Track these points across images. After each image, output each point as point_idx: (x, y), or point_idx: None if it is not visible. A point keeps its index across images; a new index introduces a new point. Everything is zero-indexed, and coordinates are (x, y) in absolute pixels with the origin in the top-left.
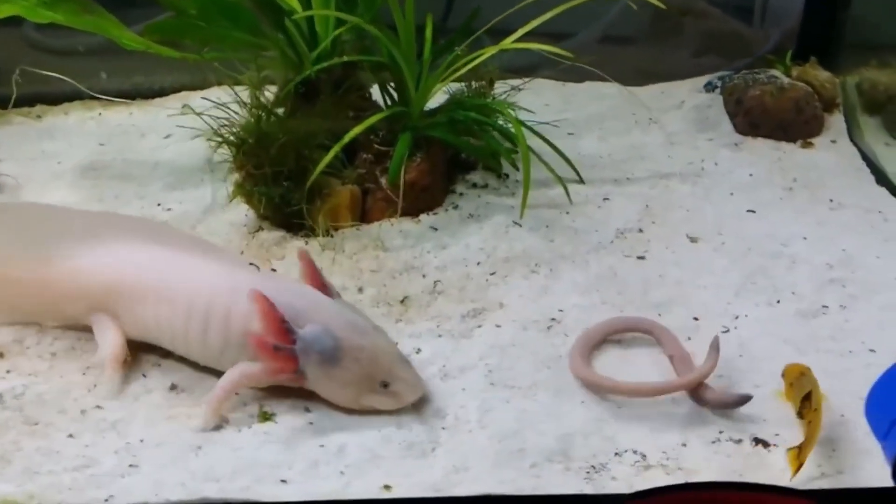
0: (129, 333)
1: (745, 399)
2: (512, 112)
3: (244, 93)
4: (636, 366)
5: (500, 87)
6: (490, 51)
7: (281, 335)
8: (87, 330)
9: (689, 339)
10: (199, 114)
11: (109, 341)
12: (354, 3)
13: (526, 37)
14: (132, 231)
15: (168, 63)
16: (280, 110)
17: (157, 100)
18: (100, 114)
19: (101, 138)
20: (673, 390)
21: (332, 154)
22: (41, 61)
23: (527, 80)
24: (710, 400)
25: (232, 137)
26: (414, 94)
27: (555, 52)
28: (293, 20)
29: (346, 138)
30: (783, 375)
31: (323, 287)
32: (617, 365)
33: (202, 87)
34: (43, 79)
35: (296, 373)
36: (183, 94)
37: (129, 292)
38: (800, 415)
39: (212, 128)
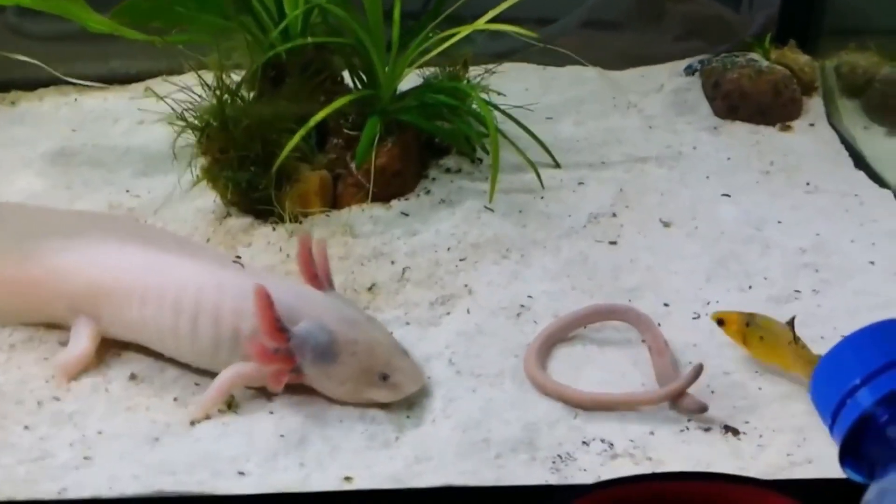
0: (114, 334)
1: (703, 409)
2: (483, 95)
3: (212, 76)
4: (605, 364)
5: (477, 72)
6: (462, 31)
7: (275, 334)
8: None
9: (659, 324)
10: (161, 98)
11: (75, 350)
12: None
13: (508, 22)
14: (113, 231)
15: (145, 48)
16: (250, 94)
17: (134, 85)
18: (75, 99)
19: (73, 124)
20: (635, 405)
21: (297, 138)
22: (22, 47)
23: (498, 63)
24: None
25: (196, 121)
26: (383, 77)
27: (525, 35)
28: (259, 2)
29: (312, 122)
30: (719, 322)
31: (314, 277)
32: (581, 363)
33: (179, 72)
34: (20, 64)
35: (292, 371)
36: (160, 78)
37: (113, 293)
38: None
39: (175, 112)
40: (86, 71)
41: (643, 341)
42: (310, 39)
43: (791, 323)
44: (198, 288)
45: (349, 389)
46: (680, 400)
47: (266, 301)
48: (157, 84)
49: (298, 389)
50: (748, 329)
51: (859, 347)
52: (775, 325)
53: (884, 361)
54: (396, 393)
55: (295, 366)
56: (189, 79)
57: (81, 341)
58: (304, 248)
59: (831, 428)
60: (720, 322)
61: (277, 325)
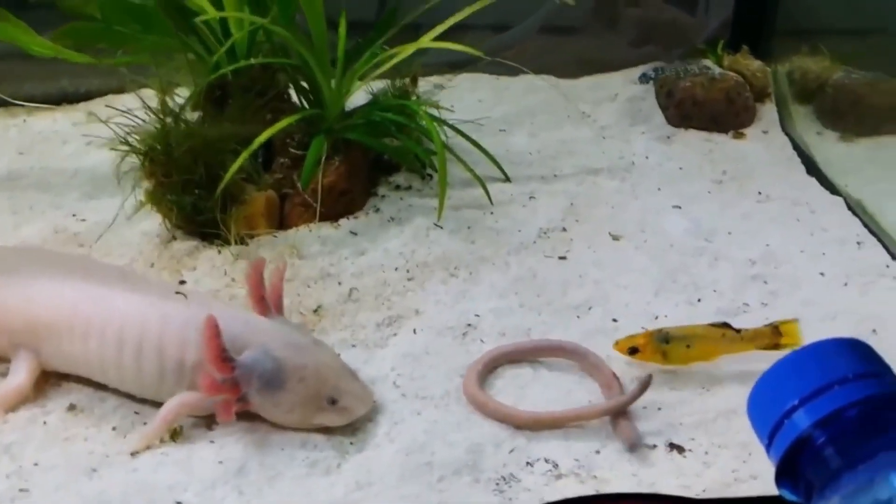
0: (56, 367)
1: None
2: (433, 111)
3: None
4: (552, 383)
5: (427, 86)
6: (408, 49)
7: (221, 364)
8: None
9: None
10: (104, 121)
11: (13, 384)
12: (267, 6)
13: (460, 31)
14: (53, 265)
15: (95, 67)
16: (196, 115)
17: (83, 104)
18: (24, 120)
19: (21, 146)
20: (574, 420)
21: (240, 160)
22: None
23: (452, 76)
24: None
25: (139, 145)
26: (329, 96)
27: (471, 53)
28: (204, 23)
29: (255, 143)
30: (631, 351)
31: (262, 302)
32: (528, 382)
33: (129, 91)
34: None
35: (239, 400)
36: (109, 97)
37: (53, 328)
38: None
39: (118, 135)
40: (35, 91)
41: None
42: (253, 61)
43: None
44: (141, 320)
45: (298, 415)
46: (619, 423)
47: (213, 331)
48: (106, 103)
49: (240, 416)
50: (670, 345)
51: (797, 368)
52: (692, 328)
53: (821, 383)
54: (346, 416)
55: (241, 395)
56: (135, 99)
57: (19, 375)
58: (257, 272)
59: (768, 448)
60: (633, 351)
61: (223, 355)
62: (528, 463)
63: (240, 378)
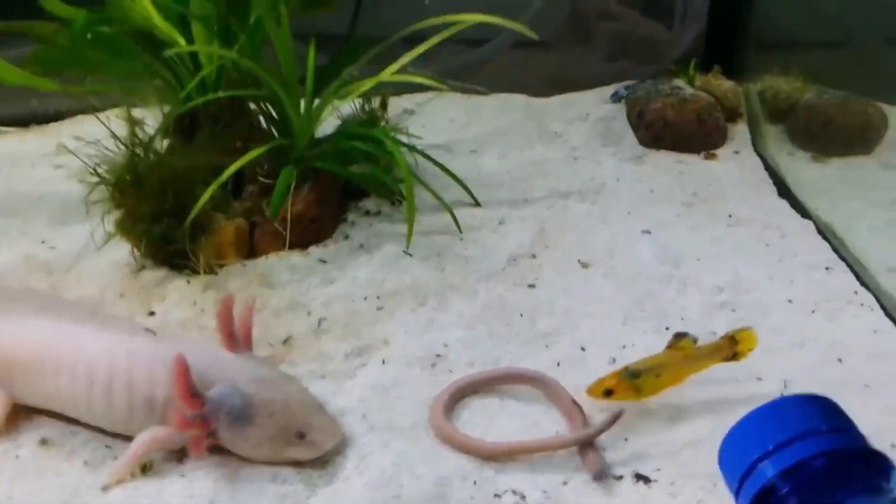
0: (31, 403)
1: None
2: (396, 140)
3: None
4: (520, 414)
5: (399, 106)
6: (367, 83)
7: (190, 400)
8: None
9: (574, 393)
10: (71, 152)
11: None
12: (235, 34)
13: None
14: (19, 302)
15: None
16: (164, 143)
17: (53, 125)
18: None
19: None
20: (540, 450)
21: (208, 193)
22: None
23: (412, 110)
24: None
25: (107, 175)
26: (297, 127)
27: (435, 86)
28: (173, 54)
29: (224, 176)
30: (606, 393)
31: (230, 337)
32: (495, 413)
33: (100, 110)
34: None
35: (208, 435)
36: (79, 118)
37: (25, 365)
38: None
39: (87, 165)
40: (5, 111)
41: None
42: (221, 94)
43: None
44: (110, 357)
45: (267, 450)
46: (586, 454)
47: (182, 369)
48: (77, 123)
49: (211, 450)
50: (640, 379)
51: (765, 421)
52: (654, 357)
53: (787, 436)
54: (315, 450)
55: (211, 430)
56: (106, 124)
57: None
58: (226, 308)
59: (736, 495)
60: (608, 393)
61: (191, 392)
62: (495, 495)
63: (209, 414)
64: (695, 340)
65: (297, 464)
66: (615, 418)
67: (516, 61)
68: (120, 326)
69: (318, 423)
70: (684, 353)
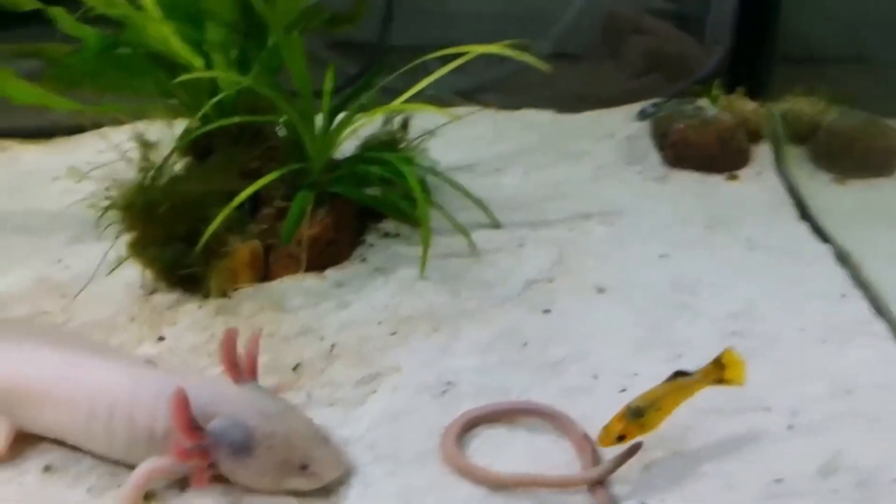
0: (32, 430)
1: None
2: (413, 163)
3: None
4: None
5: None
6: (380, 111)
7: (190, 433)
8: None
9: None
10: (84, 176)
11: None
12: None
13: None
14: (22, 333)
15: (85, 100)
16: (178, 165)
17: (76, 137)
18: (12, 156)
19: (7, 183)
20: (557, 486)
21: (220, 218)
22: None
23: (432, 133)
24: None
25: (118, 200)
26: (313, 152)
27: (445, 116)
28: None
29: (236, 201)
30: (619, 439)
31: (234, 368)
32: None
33: (122, 123)
34: None
35: (210, 466)
36: (104, 130)
37: (26, 397)
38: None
39: (99, 187)
40: (28, 123)
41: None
42: (237, 119)
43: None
44: (111, 391)
45: (268, 482)
46: (594, 488)
47: (181, 402)
48: (100, 136)
49: (215, 479)
50: (645, 417)
51: None
52: (652, 392)
53: None
54: (316, 481)
55: (212, 462)
56: (123, 135)
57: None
58: (229, 339)
59: None
60: (621, 438)
61: (191, 425)
62: None
63: (210, 446)
64: (689, 374)
65: (301, 493)
66: (632, 453)
67: (545, 76)
68: (121, 359)
69: (320, 456)
70: (677, 382)
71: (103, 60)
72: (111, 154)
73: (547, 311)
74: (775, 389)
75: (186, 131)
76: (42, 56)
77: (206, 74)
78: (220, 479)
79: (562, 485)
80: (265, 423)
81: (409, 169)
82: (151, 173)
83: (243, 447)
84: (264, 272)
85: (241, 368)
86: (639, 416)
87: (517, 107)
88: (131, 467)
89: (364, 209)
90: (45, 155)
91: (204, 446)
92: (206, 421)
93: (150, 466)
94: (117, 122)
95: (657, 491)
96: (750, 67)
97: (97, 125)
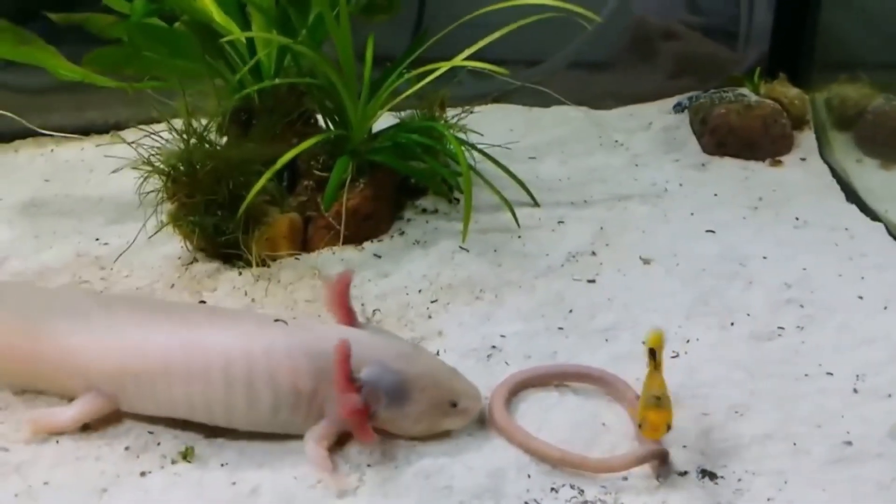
0: (140, 410)
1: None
2: (461, 135)
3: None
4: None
5: (457, 111)
6: (439, 68)
7: (349, 386)
8: None
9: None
10: (129, 143)
11: (63, 416)
12: (295, 30)
13: (495, 64)
14: (127, 307)
15: (120, 98)
16: (221, 138)
17: (110, 134)
18: (52, 150)
19: (47, 174)
20: (602, 470)
21: (262, 181)
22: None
23: (485, 103)
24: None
25: (162, 166)
26: (354, 118)
27: (498, 72)
28: (232, 47)
29: (279, 164)
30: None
31: (348, 314)
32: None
33: (158, 121)
34: None
35: (369, 418)
36: (134, 128)
37: (149, 374)
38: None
39: (141, 157)
40: (63, 122)
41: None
42: (277, 81)
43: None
44: (246, 355)
45: (426, 424)
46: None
47: (344, 356)
48: (132, 133)
49: (254, 437)
50: (661, 401)
51: None
52: (647, 384)
53: None
54: (465, 417)
55: (371, 412)
56: (162, 127)
57: (75, 411)
58: (343, 283)
59: None
60: (669, 427)
61: (349, 376)
62: (552, 489)
63: (367, 397)
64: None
65: (344, 451)
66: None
67: (576, 80)
68: (248, 320)
69: (464, 390)
70: (652, 363)
71: (145, 36)
72: (148, 145)
73: (591, 281)
74: (837, 355)
75: (228, 101)
76: (88, 26)
77: (250, 35)
78: (260, 437)
79: (603, 470)
80: (411, 365)
81: (451, 134)
82: (194, 141)
83: (399, 393)
84: (303, 243)
85: (354, 312)
86: (659, 401)
87: (548, 105)
88: (207, 429)
89: (402, 186)
90: (81, 150)
91: (364, 399)
92: (356, 371)
93: (314, 441)
94: (149, 121)
95: (719, 456)
96: (788, 72)
97: (131, 123)
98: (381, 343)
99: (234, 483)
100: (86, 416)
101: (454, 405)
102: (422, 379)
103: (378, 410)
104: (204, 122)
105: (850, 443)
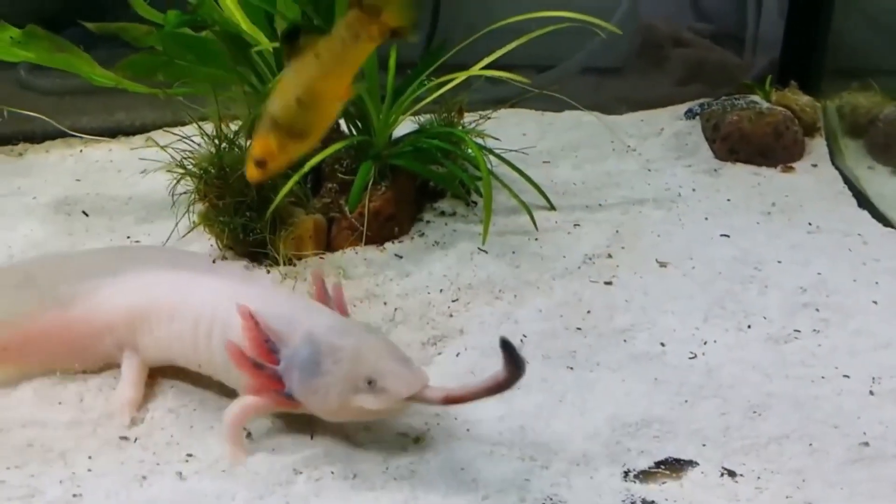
0: (150, 358)
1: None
2: (478, 140)
3: (211, 127)
4: None
5: (473, 117)
6: (458, 76)
7: (264, 355)
8: None
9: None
10: (162, 147)
11: (125, 387)
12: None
13: (506, 70)
14: (143, 259)
15: (149, 101)
16: (248, 143)
17: (138, 137)
18: (81, 151)
19: (77, 174)
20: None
21: (290, 184)
22: (32, 101)
23: (495, 109)
24: None
25: (194, 168)
26: (377, 124)
27: (518, 80)
28: (259, 55)
29: (306, 167)
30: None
31: (325, 303)
32: None
33: (182, 124)
34: (29, 118)
35: (286, 396)
36: (162, 130)
37: (147, 317)
38: None
39: (174, 159)
40: (92, 124)
41: None
42: None
43: None
44: (209, 308)
45: (333, 400)
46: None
47: (250, 320)
48: (160, 136)
49: (288, 429)
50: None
51: None
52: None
53: None
54: (386, 399)
55: (286, 390)
56: (191, 130)
57: (130, 376)
58: (318, 280)
59: None
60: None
61: (265, 346)
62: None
63: (283, 371)
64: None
65: (365, 445)
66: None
67: (587, 86)
68: (235, 275)
69: (388, 370)
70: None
71: (177, 44)
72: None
73: (608, 283)
74: (853, 358)
75: (257, 107)
76: (123, 35)
77: (277, 45)
78: (292, 428)
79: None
80: (334, 337)
81: (470, 139)
82: (225, 145)
83: (311, 364)
84: (327, 243)
85: (332, 304)
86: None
87: (560, 110)
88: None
89: (422, 189)
90: (110, 151)
91: (274, 371)
92: (290, 336)
93: (239, 405)
94: (175, 124)
95: (737, 454)
96: (799, 78)
97: (158, 126)
98: (324, 316)
99: (269, 471)
100: (140, 381)
101: (370, 382)
102: (339, 351)
103: (294, 389)
104: (233, 127)
105: (867, 444)
